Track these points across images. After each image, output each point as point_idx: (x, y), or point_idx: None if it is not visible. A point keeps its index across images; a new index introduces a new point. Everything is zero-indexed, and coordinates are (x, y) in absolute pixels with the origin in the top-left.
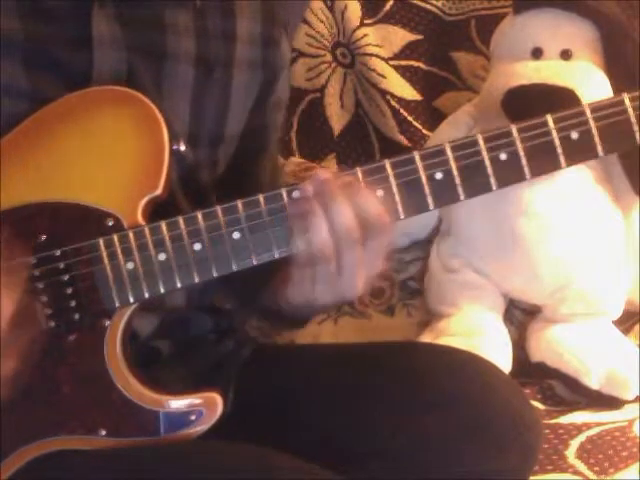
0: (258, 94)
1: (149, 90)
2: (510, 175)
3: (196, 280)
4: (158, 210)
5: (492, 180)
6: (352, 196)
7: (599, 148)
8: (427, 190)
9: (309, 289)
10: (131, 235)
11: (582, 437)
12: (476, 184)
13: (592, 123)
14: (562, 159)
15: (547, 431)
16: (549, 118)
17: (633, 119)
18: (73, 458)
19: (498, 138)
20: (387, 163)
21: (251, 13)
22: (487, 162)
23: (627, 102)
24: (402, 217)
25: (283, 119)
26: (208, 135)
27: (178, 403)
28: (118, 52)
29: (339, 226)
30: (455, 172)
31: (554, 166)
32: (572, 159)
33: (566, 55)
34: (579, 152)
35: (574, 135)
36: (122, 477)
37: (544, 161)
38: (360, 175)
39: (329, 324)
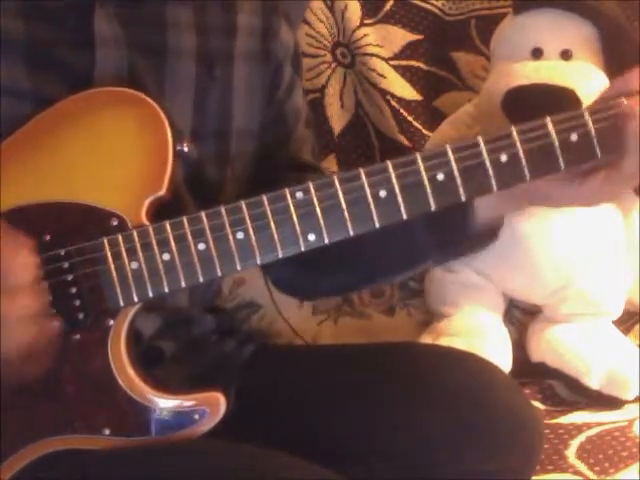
0: (269, 89)
1: (151, 88)
2: (510, 176)
3: (200, 280)
4: (164, 210)
5: (493, 181)
6: None
7: (598, 150)
8: (429, 191)
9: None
10: (135, 235)
11: (582, 437)
12: (477, 185)
13: (591, 125)
14: (562, 161)
15: (547, 431)
16: (549, 120)
17: None
18: (76, 458)
19: (498, 140)
20: (389, 164)
21: (252, 7)
22: (488, 164)
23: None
24: (405, 217)
25: (302, 98)
26: (213, 130)
27: (181, 403)
28: (120, 51)
29: None
30: (456, 173)
31: (553, 168)
32: (571, 161)
33: (566, 55)
34: (578, 154)
35: (573, 137)
36: (125, 476)
37: (544, 163)
38: (363, 176)
39: (329, 324)
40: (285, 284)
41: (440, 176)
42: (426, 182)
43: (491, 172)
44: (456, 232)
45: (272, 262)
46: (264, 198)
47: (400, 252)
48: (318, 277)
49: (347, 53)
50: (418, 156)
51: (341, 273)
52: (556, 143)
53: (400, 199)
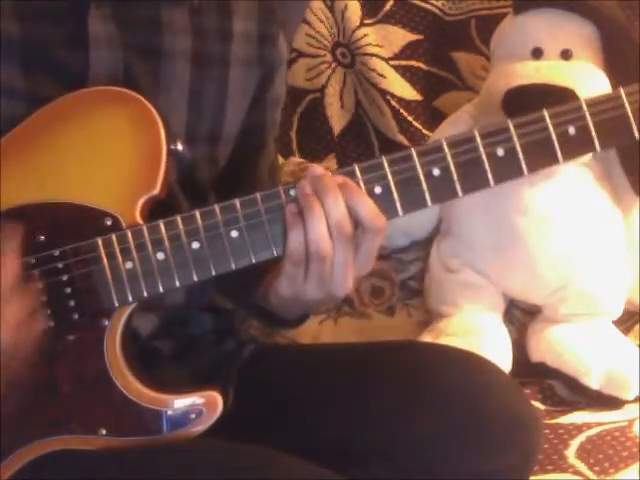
0: (255, 92)
1: (146, 89)
2: (507, 170)
3: (195, 279)
4: (157, 210)
5: (490, 176)
6: (346, 194)
7: (596, 143)
8: (425, 186)
9: (300, 284)
10: (129, 235)
11: (582, 437)
12: (474, 180)
13: (589, 118)
14: (559, 154)
15: (547, 431)
16: (546, 113)
17: (630, 113)
18: (73, 458)
19: (495, 134)
20: (385, 160)
21: (248, 11)
22: (484, 158)
23: (624, 96)
24: (401, 214)
25: (281, 117)
26: (206, 133)
27: (178, 402)
28: (114, 52)
29: (333, 223)
30: (453, 168)
31: (551, 161)
32: (569, 154)
33: (566, 55)
34: (576, 147)
35: (571, 130)
36: (122, 476)
37: (541, 156)
38: (358, 172)
39: (329, 324)
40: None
41: (436, 171)
42: (422, 178)
43: (487, 167)
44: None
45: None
46: (257, 196)
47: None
48: None
49: (347, 53)
50: (414, 151)
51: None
52: (553, 136)
53: (396, 195)
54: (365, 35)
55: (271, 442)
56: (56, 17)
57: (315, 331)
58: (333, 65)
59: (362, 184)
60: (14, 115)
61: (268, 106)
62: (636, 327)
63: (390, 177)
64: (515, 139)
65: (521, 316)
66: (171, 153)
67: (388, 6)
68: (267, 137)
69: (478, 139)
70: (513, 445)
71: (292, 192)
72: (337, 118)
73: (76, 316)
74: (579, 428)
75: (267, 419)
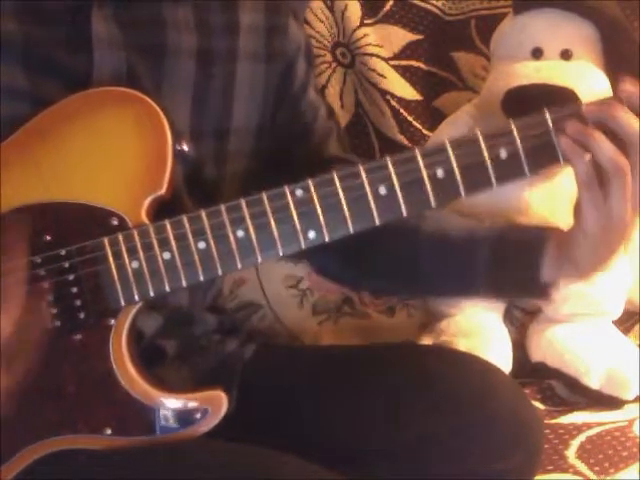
0: (276, 87)
1: (149, 89)
2: (510, 172)
3: (201, 278)
4: (163, 209)
5: (492, 177)
6: None
7: None
8: (429, 187)
9: (602, 207)
10: (136, 234)
11: (582, 437)
12: (477, 181)
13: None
14: (561, 156)
15: (547, 431)
16: (547, 115)
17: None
18: (78, 457)
19: (498, 136)
20: (389, 161)
21: (254, 4)
22: (487, 159)
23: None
24: (405, 215)
25: (316, 90)
26: (212, 129)
27: (183, 402)
28: (117, 52)
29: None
30: (456, 169)
31: (553, 163)
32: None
33: (566, 55)
34: None
35: None
36: (126, 476)
37: (543, 158)
38: (362, 172)
39: (329, 324)
40: (328, 275)
41: (440, 172)
42: (426, 179)
43: (491, 168)
44: (520, 280)
45: (317, 252)
46: (264, 196)
47: (455, 277)
48: (359, 277)
49: (347, 53)
50: (417, 152)
51: (385, 279)
52: (554, 138)
53: (400, 196)
54: (365, 35)
55: (271, 442)
56: (58, 18)
57: (315, 331)
58: (333, 65)
59: (367, 185)
60: (18, 116)
61: (297, 95)
62: (636, 327)
63: (395, 178)
64: (518, 141)
65: (521, 316)
66: (177, 154)
67: (388, 6)
68: (309, 122)
69: (481, 140)
70: (516, 447)
71: (298, 192)
72: (337, 118)
73: (82, 315)
74: (579, 428)
75: (268, 420)
